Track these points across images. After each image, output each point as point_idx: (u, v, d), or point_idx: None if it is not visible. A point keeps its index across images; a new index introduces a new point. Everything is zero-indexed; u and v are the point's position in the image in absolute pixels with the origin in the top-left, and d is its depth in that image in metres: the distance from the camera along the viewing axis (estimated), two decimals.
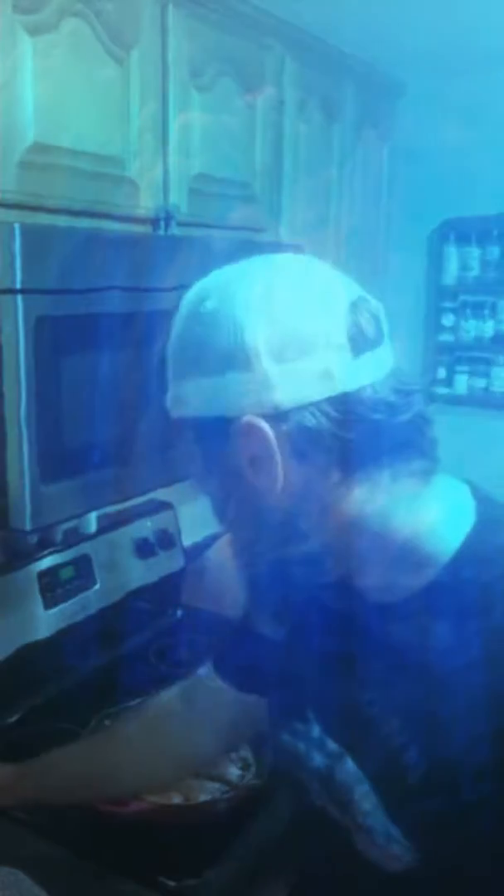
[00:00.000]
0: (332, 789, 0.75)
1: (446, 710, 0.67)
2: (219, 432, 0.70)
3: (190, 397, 0.72)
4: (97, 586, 1.69)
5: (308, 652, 0.80)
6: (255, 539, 0.76)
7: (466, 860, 0.69)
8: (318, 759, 0.76)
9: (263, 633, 0.88)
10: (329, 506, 0.71)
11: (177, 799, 1.26)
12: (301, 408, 0.68)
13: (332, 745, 0.75)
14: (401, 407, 0.70)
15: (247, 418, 0.68)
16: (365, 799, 0.72)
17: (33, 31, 1.21)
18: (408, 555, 0.71)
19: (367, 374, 0.69)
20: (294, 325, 0.68)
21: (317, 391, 0.68)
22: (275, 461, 0.69)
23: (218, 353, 0.69)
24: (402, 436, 0.70)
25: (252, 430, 0.69)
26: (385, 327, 0.72)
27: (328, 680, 0.77)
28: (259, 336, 0.67)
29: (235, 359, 0.68)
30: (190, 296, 0.74)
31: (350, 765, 0.74)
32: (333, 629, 0.77)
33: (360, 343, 0.68)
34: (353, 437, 0.68)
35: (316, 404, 0.68)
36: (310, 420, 0.68)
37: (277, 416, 0.68)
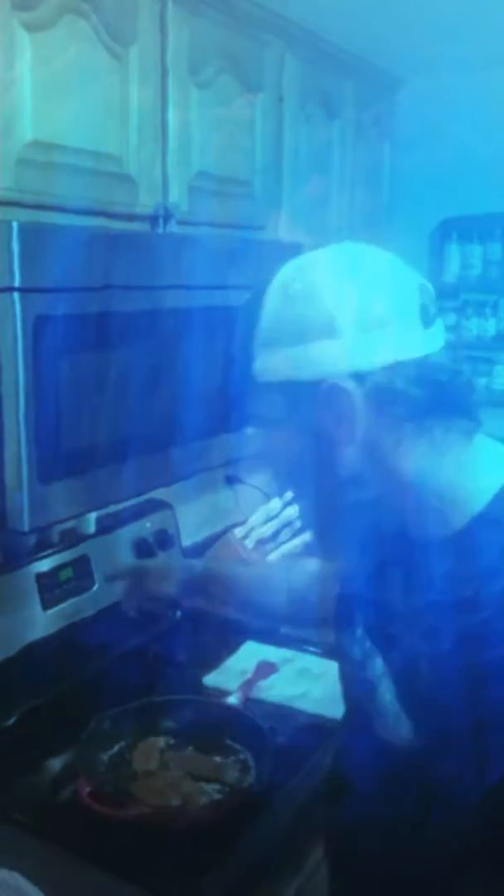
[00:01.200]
0: (364, 679, 0.90)
1: (461, 628, 0.79)
2: (306, 394, 0.82)
3: (280, 365, 0.83)
4: (96, 587, 1.69)
5: (357, 571, 0.94)
6: (323, 484, 0.88)
7: (462, 740, 0.80)
8: (357, 652, 0.92)
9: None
10: (392, 458, 0.83)
11: (176, 801, 1.26)
12: (379, 370, 0.80)
13: (368, 644, 0.91)
14: (458, 372, 0.84)
15: (334, 380, 0.81)
16: (388, 692, 0.87)
17: (32, 27, 1.21)
18: (449, 501, 0.83)
19: (432, 343, 0.83)
20: (374, 301, 0.81)
21: (393, 355, 0.80)
22: (356, 418, 0.81)
23: (308, 325, 0.81)
24: (458, 397, 0.84)
25: (339, 391, 0.81)
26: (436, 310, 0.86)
27: (369, 594, 0.91)
28: (345, 310, 0.80)
29: (325, 329, 0.80)
30: (278, 279, 0.86)
31: (379, 662, 0.89)
32: (378, 557, 0.89)
33: (428, 317, 0.83)
34: (420, 393, 0.81)
35: (392, 367, 0.80)
36: (385, 381, 0.80)
37: (358, 378, 0.80)
